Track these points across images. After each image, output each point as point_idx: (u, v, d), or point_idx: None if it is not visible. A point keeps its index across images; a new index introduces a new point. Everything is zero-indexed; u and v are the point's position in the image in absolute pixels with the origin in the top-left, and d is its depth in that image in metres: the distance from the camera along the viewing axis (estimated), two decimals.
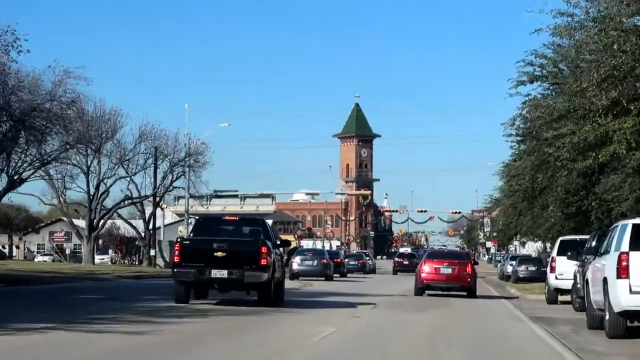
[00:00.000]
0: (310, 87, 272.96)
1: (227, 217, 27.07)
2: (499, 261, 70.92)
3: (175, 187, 76.04)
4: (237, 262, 22.42)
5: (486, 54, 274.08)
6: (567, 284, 29.25)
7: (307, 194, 71.58)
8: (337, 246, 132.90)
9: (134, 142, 71.17)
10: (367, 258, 79.63)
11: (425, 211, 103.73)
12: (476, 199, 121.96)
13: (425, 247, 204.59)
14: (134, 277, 49.73)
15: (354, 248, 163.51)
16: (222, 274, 22.35)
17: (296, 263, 53.03)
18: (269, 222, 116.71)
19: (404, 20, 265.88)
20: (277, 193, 79.72)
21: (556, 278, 30.87)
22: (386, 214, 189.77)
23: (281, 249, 27.54)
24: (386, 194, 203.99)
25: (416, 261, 74.08)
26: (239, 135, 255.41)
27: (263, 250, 22.49)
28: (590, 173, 32.55)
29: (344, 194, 72.41)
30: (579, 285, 25.35)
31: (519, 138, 38.01)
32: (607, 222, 32.20)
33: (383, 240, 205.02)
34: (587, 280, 20.21)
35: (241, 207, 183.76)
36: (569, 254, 26.87)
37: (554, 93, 30.35)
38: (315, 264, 52.54)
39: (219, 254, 22.42)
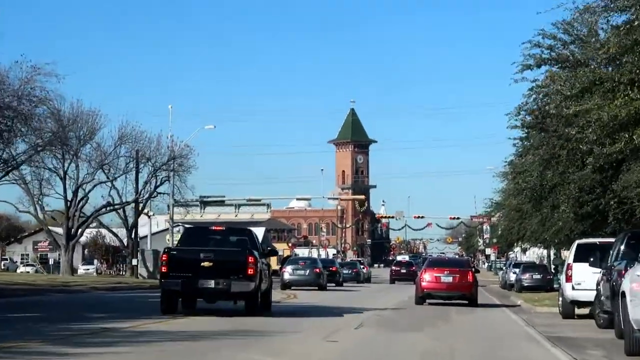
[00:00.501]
0: (304, 91, 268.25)
1: (214, 227, 27.08)
2: (501, 269, 66.65)
3: (160, 193, 71.26)
4: (224, 271, 22.58)
5: (484, 57, 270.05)
6: (587, 296, 25.03)
7: (298, 198, 66.96)
8: (333, 254, 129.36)
9: (113, 145, 66.85)
10: (362, 266, 75.41)
11: (422, 217, 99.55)
12: (474, 205, 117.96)
13: (424, 254, 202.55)
14: (109, 289, 47.42)
15: (351, 256, 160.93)
16: (209, 284, 22.53)
17: (287, 272, 50.78)
18: (261, 230, 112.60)
19: (402, 20, 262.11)
20: (264, 199, 74.83)
21: (573, 288, 26.52)
22: (383, 220, 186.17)
23: (268, 258, 26.91)
24: (383, 201, 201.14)
25: (414, 269, 70.85)
26: (228, 139, 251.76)
27: (250, 260, 22.60)
28: (607, 168, 28.39)
29: (337, 198, 67.81)
30: (604, 298, 21.04)
31: (525, 131, 33.88)
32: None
33: (380, 248, 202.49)
34: (622, 292, 15.95)
35: (235, 215, 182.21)
36: (591, 259, 22.49)
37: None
38: (307, 274, 50.44)
39: (206, 263, 22.57)
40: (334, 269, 60.63)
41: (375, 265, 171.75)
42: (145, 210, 75.84)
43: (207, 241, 24.89)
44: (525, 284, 51.64)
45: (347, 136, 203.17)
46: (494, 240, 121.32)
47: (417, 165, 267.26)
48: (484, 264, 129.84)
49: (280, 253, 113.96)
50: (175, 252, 23.77)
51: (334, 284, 57.37)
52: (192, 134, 72.90)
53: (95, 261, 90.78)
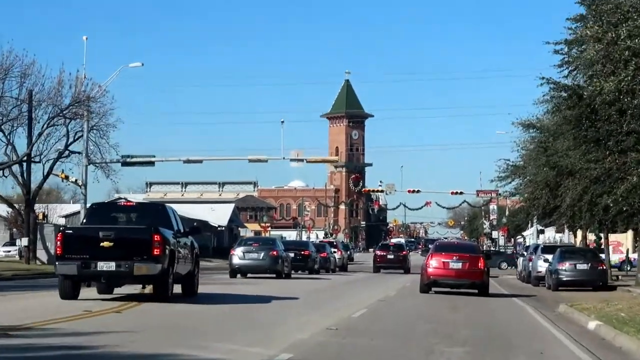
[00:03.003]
0: (294, 58, 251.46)
1: (122, 203, 27.52)
2: (521, 255, 49.54)
3: (73, 152, 54.54)
4: (126, 252, 21.08)
5: (487, 23, 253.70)
6: None
7: (250, 160, 49.96)
8: (322, 237, 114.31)
9: None
10: (333, 250, 58.62)
11: (417, 191, 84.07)
12: (480, 182, 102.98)
13: (424, 238, 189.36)
14: None
15: (342, 239, 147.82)
16: (110, 266, 21.06)
17: (237, 256, 42.10)
18: (229, 207, 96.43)
19: None
20: (205, 159, 57.11)
21: None
22: (372, 197, 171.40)
23: (191, 237, 24.46)
24: (380, 181, 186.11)
25: (404, 255, 55.66)
26: (205, 104, 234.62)
27: (156, 239, 20.98)
28: None
29: (301, 160, 50.34)
30: None
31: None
32: None
33: (376, 231, 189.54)
34: None
35: (219, 194, 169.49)
36: None
37: None
38: (261, 257, 41.81)
39: (106, 243, 21.09)
40: (306, 252, 50.23)
41: (371, 250, 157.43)
42: (74, 179, 58.44)
43: (114, 219, 23.31)
44: (565, 278, 35.14)
45: (341, 109, 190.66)
46: (504, 221, 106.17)
47: (416, 140, 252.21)
48: (491, 249, 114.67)
49: (246, 234, 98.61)
50: (71, 231, 22.80)
51: (307, 271, 49.20)
52: (113, 75, 55.29)
53: (19, 241, 73.30)
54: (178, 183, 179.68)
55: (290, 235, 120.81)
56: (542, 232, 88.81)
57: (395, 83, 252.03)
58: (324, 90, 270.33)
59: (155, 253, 20.93)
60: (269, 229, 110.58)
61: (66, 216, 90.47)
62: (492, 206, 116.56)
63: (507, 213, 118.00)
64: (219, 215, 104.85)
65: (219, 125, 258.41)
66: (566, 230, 68.48)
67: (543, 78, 28.85)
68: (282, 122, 59.75)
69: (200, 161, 58.03)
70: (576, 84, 28.55)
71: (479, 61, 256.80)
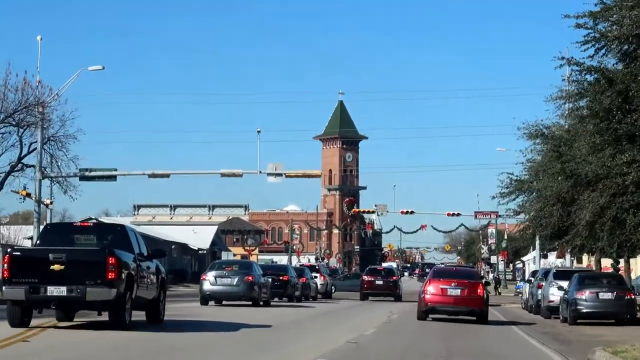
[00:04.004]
0: (286, 77, 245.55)
1: (79, 223, 24.97)
2: (528, 282, 43.46)
3: (28, 166, 49.01)
4: (78, 276, 19.78)
5: (483, 42, 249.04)
6: None
7: (222, 174, 43.87)
8: (311, 263, 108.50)
9: None
10: (314, 275, 52.44)
11: (411, 212, 78.60)
12: (478, 204, 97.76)
13: (420, 264, 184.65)
14: None
15: (334, 264, 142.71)
16: (60, 291, 19.68)
17: (208, 282, 38.52)
18: (212, 230, 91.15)
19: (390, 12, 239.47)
20: (173, 173, 51.05)
21: None
22: (366, 220, 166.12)
23: (156, 261, 23.15)
24: (375, 205, 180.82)
25: (394, 281, 49.85)
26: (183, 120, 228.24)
27: (110, 262, 19.73)
28: None
29: (279, 174, 44.15)
30: None
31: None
32: None
33: (371, 256, 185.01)
34: None
35: (209, 218, 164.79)
36: None
37: None
38: (235, 283, 38.15)
39: (56, 267, 19.77)
40: (284, 277, 45.22)
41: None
42: (43, 197, 53.24)
43: (69, 240, 21.74)
44: (585, 310, 29.11)
45: (334, 131, 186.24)
46: (503, 245, 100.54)
47: (411, 161, 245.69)
48: (489, 274, 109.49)
49: (228, 258, 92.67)
50: (18, 253, 21.05)
51: (285, 299, 45.10)
52: (71, 79, 49.22)
53: None
54: (167, 206, 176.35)
55: (282, 259, 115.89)
56: (545, 256, 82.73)
57: (390, 104, 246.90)
58: (317, 110, 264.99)
59: (109, 277, 19.80)
60: (254, 252, 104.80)
61: (31, 238, 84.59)
62: (491, 230, 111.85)
63: (505, 236, 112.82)
64: (201, 238, 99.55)
65: (204, 144, 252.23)
66: (567, 255, 62.51)
67: (563, 58, 22.96)
68: (259, 131, 53.80)
69: (168, 175, 52.11)
70: (604, 67, 22.61)
71: (476, 79, 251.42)
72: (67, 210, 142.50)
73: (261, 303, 38.47)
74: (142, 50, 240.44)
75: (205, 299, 38.11)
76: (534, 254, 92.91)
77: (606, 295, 29.51)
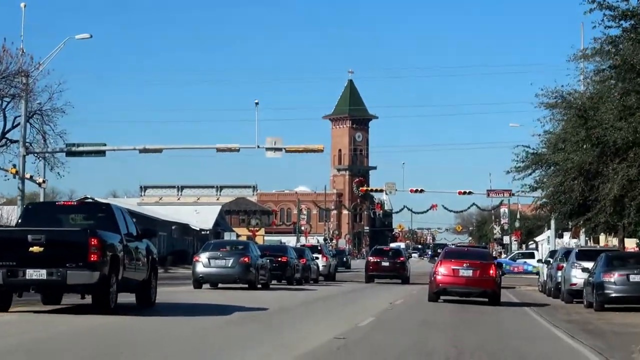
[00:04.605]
0: (296, 56, 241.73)
1: (62, 202, 23.58)
2: (546, 262, 40.10)
3: (11, 141, 46.17)
4: (58, 258, 18.84)
5: (497, 18, 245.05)
6: None
7: (218, 149, 40.39)
8: (319, 244, 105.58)
9: None
10: (315, 256, 49.14)
11: (421, 191, 75.05)
12: (490, 183, 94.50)
13: (431, 245, 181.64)
14: None
15: (344, 245, 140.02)
16: (40, 274, 18.75)
17: (201, 263, 35.82)
18: (215, 210, 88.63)
19: None
20: (165, 147, 47.59)
21: None
22: (375, 200, 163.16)
23: (146, 242, 22.41)
24: (385, 184, 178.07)
25: (401, 262, 46.67)
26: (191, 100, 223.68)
27: (92, 243, 18.77)
28: None
29: (279, 149, 40.74)
30: None
31: None
32: None
33: (381, 236, 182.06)
34: None
35: (217, 199, 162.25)
36: None
37: None
38: (230, 265, 35.57)
39: (35, 248, 18.89)
40: (283, 259, 42.41)
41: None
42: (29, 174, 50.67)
43: (52, 221, 20.72)
44: (615, 294, 25.83)
45: (344, 111, 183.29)
46: (517, 225, 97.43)
47: (422, 140, 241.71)
48: (503, 255, 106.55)
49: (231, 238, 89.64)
50: None
51: (284, 281, 42.32)
52: (57, 48, 45.91)
53: None
54: (174, 187, 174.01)
55: (290, 240, 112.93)
56: (560, 236, 79.46)
57: (400, 82, 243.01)
58: (327, 90, 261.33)
59: (92, 259, 18.92)
60: (259, 233, 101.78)
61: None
62: (503, 210, 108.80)
63: (518, 216, 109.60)
64: (204, 218, 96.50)
65: (203, 123, 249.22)
66: (582, 236, 59.12)
67: (593, 1, 19.54)
68: (257, 103, 50.28)
69: (160, 150, 48.76)
70: None
71: (490, 57, 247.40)
72: (75, 192, 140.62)
73: (259, 286, 36.13)
74: (141, 25, 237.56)
75: (199, 281, 35.65)
76: (548, 233, 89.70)
77: (638, 278, 26.16)
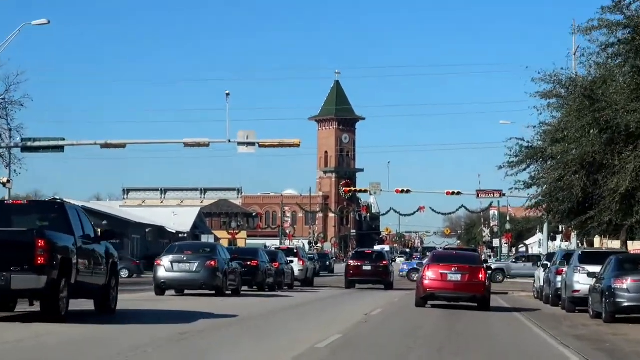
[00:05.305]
0: (280, 56, 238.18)
1: (10, 201, 23.58)
2: (543, 266, 36.43)
3: None
4: (2, 261, 17.49)
5: (482, 18, 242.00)
6: None
7: (186, 144, 36.14)
8: (296, 246, 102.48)
9: None
10: (292, 259, 45.31)
11: (407, 191, 71.21)
12: (479, 184, 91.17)
13: (420, 249, 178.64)
14: None
15: (329, 249, 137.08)
16: None
17: (164, 267, 32.76)
18: (193, 212, 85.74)
19: None
20: (128, 142, 43.75)
21: None
22: (362, 203, 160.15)
23: (105, 244, 21.16)
24: (370, 184, 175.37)
25: (384, 266, 43.31)
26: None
27: (39, 245, 17.55)
28: None
29: (252, 143, 36.94)
30: None
31: None
32: None
33: (368, 240, 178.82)
34: None
35: (201, 201, 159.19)
36: None
37: None
38: (194, 269, 32.61)
39: None
40: (253, 263, 38.65)
41: None
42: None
43: (1, 221, 19.48)
44: (628, 303, 22.24)
45: (331, 112, 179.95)
46: (507, 227, 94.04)
47: (409, 141, 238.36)
48: (491, 258, 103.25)
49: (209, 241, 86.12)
50: None
51: (255, 287, 38.89)
52: (12, 35, 42.15)
53: None
54: (157, 189, 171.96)
55: (274, 244, 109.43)
56: (553, 238, 75.93)
57: (387, 84, 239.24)
58: (313, 91, 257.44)
59: (38, 262, 17.81)
60: (240, 236, 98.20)
61: None
62: (493, 212, 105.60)
63: (508, 218, 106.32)
64: (182, 221, 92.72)
65: (193, 124, 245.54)
66: (574, 237, 55.54)
67: None
68: (228, 94, 46.46)
69: (123, 145, 45.01)
70: None
71: (478, 56, 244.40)
72: (58, 194, 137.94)
73: (229, 292, 33.09)
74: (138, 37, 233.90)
75: (160, 287, 32.45)
76: (539, 236, 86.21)
77: None
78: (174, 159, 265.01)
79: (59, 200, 32.48)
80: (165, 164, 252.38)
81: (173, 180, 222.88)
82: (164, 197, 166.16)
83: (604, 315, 23.03)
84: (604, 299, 22.96)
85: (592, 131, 25.03)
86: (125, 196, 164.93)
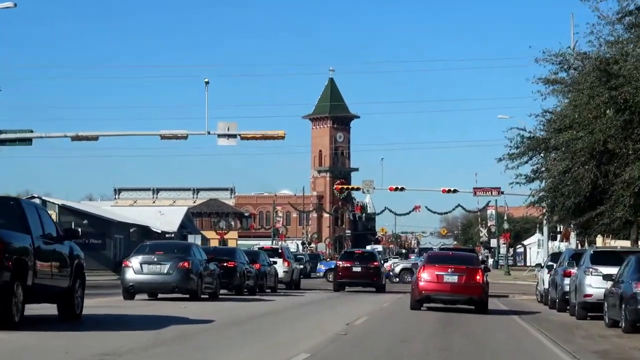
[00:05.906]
0: (274, 54, 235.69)
1: None
2: (548, 267, 33.55)
3: None
4: None
5: (478, 14, 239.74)
6: None
7: (162, 136, 33.25)
8: (281, 246, 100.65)
9: None
10: (275, 260, 42.21)
11: (401, 189, 69.38)
12: (476, 182, 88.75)
13: (416, 249, 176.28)
14: None
15: (323, 249, 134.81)
16: None
17: (132, 269, 30.29)
18: (181, 211, 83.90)
19: None
20: (96, 135, 40.54)
21: None
22: (356, 202, 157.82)
23: (69, 244, 19.91)
24: (363, 182, 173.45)
25: (375, 267, 40.52)
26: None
27: None
28: None
29: (233, 135, 33.93)
30: None
31: None
32: None
33: (363, 240, 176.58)
34: None
35: (194, 201, 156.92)
36: None
37: None
38: (166, 271, 30.05)
39: None
40: (230, 264, 35.76)
41: None
42: None
43: None
44: None
45: (325, 110, 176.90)
46: (505, 227, 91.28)
47: (404, 139, 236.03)
48: (489, 259, 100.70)
49: (196, 242, 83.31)
50: None
51: (233, 291, 36.01)
52: None
53: None
54: (149, 189, 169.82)
55: (268, 244, 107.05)
56: (553, 238, 73.09)
57: (382, 81, 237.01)
58: (306, 88, 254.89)
59: None
60: (229, 236, 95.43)
61: None
62: (490, 211, 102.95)
63: (505, 217, 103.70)
64: (168, 220, 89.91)
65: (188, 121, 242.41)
66: (573, 237, 52.71)
67: None
68: (207, 82, 43.36)
69: (96, 137, 42.05)
70: None
71: (473, 51, 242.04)
72: (50, 194, 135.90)
73: (205, 296, 30.71)
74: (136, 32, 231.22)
75: (129, 291, 29.98)
76: (538, 236, 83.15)
77: None
78: (167, 157, 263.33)
79: (14, 197, 29.82)
80: (159, 164, 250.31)
81: (167, 181, 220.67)
82: (156, 197, 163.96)
83: (622, 324, 19.94)
84: (623, 305, 19.88)
85: (607, 112, 22.05)
86: (117, 196, 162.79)
